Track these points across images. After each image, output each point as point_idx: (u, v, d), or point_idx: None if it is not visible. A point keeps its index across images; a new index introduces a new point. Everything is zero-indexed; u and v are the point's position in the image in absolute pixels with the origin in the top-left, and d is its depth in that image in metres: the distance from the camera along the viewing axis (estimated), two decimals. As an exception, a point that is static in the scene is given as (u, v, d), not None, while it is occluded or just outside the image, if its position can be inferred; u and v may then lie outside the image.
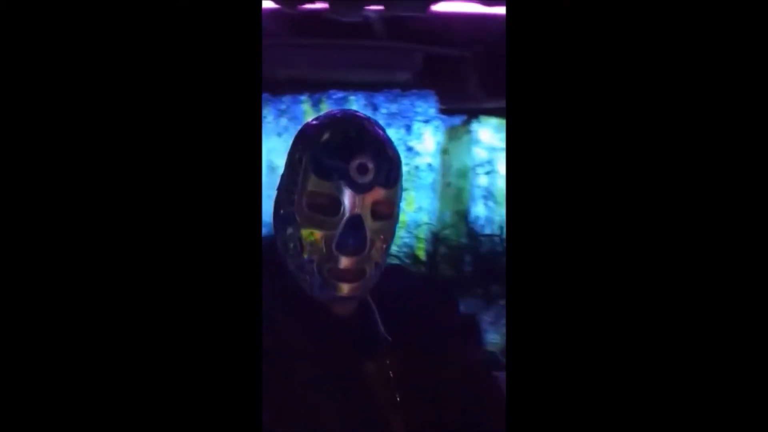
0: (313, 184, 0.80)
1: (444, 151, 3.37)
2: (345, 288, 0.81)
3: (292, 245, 0.82)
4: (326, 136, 0.82)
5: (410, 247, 3.12)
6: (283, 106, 3.22)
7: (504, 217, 2.93)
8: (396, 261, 2.37)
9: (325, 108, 3.06)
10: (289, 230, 0.82)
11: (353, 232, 0.80)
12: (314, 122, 0.86)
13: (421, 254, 3.15)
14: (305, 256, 0.81)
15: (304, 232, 0.81)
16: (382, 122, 0.91)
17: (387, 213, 0.84)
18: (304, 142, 0.83)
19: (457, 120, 3.41)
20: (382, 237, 0.83)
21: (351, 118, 0.85)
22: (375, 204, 0.81)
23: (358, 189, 0.80)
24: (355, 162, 0.80)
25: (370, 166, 0.80)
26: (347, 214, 0.80)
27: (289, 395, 0.76)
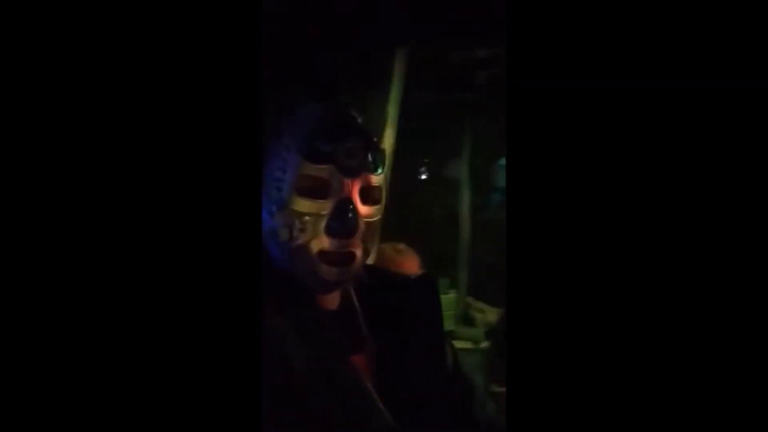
0: (302, 168, 0.80)
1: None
2: (334, 271, 0.81)
3: (283, 232, 0.81)
4: (314, 120, 0.82)
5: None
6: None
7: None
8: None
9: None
10: (279, 217, 0.81)
11: (343, 215, 0.80)
12: (300, 108, 0.85)
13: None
14: (296, 241, 0.80)
15: (294, 217, 0.80)
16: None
17: (376, 198, 0.84)
18: (291, 126, 0.83)
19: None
20: (370, 222, 0.83)
21: (338, 105, 0.86)
22: (364, 188, 0.82)
23: (348, 173, 0.80)
24: (344, 145, 0.80)
25: (360, 149, 0.81)
26: (337, 197, 0.80)
27: (284, 390, 0.75)
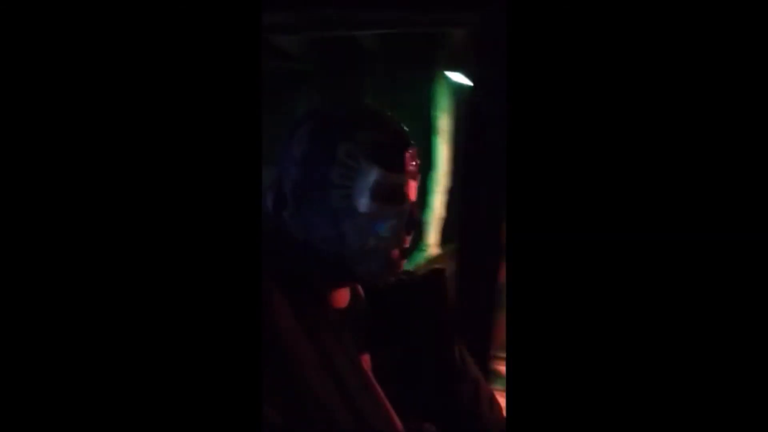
0: (380, 176, 0.83)
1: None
2: (403, 264, 0.87)
3: (354, 236, 0.83)
4: (373, 128, 0.84)
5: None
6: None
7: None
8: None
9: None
10: (348, 222, 0.83)
11: (414, 217, 0.85)
12: (343, 114, 0.85)
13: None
14: (371, 243, 0.83)
15: (370, 222, 0.83)
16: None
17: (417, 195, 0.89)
18: (347, 135, 0.83)
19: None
20: None
21: (376, 108, 0.87)
22: (415, 188, 0.87)
23: (413, 176, 0.86)
24: (409, 150, 0.85)
25: (417, 154, 0.86)
26: (407, 201, 0.85)
27: (287, 387, 0.75)
